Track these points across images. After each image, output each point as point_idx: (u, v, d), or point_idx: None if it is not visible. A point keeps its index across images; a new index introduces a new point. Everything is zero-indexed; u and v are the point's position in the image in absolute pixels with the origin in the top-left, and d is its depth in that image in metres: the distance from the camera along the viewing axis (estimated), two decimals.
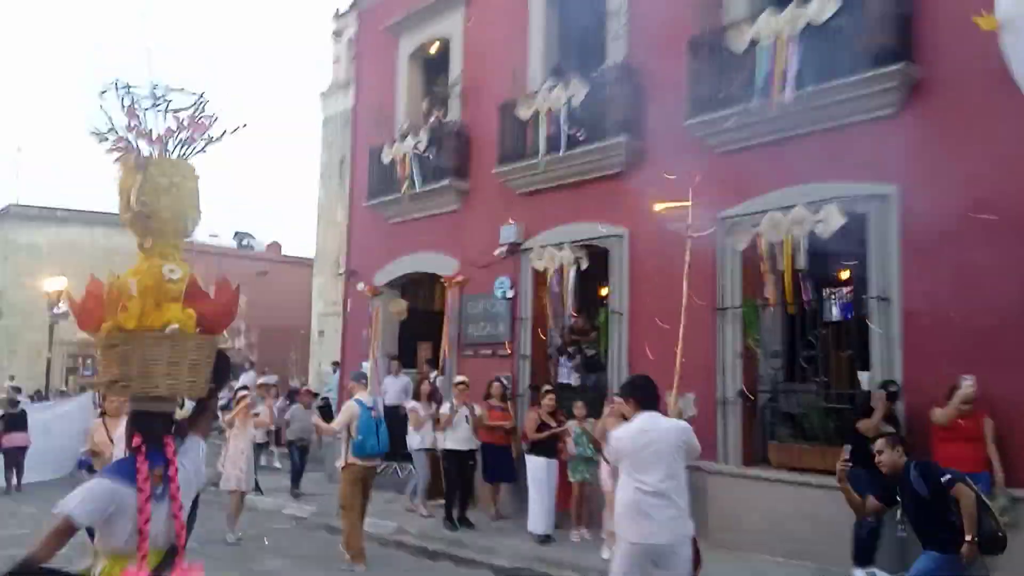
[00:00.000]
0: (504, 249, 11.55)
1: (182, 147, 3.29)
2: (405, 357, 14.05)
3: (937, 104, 7.73)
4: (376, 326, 13.92)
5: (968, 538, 4.77)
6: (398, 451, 12.50)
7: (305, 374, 27.31)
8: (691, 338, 9.16)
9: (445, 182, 12.41)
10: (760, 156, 8.77)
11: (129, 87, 3.19)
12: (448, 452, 10.17)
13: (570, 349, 10.95)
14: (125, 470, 3.01)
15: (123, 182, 3.23)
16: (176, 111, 3.26)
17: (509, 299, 11.52)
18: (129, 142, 3.21)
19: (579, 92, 10.25)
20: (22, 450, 13.66)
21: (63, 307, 22.34)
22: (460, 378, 10.63)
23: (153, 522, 2.95)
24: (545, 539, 8.92)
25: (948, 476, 4.99)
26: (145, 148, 3.23)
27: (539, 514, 9.00)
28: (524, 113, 10.96)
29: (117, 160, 3.25)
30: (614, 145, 9.99)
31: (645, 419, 4.90)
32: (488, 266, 11.86)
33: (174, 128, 3.25)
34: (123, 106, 3.18)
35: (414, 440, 10.63)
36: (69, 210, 33.67)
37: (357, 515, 8.19)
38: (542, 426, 9.26)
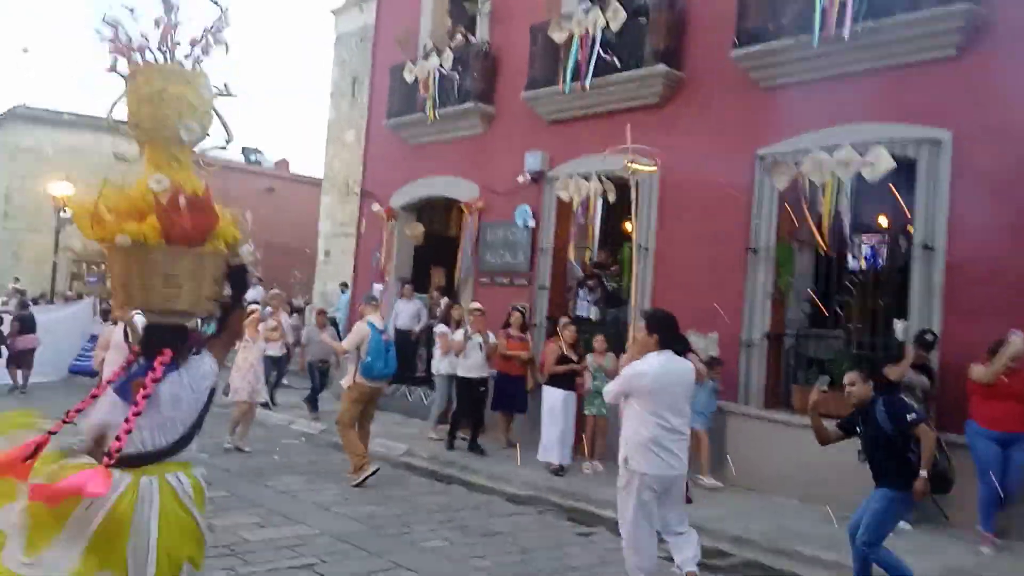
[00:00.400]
0: (527, 177, 11.27)
1: (168, 54, 3.21)
2: (418, 282, 13.89)
3: (999, 48, 7.37)
4: (390, 249, 13.78)
5: (924, 474, 4.94)
6: (407, 375, 12.49)
7: (309, 293, 27.13)
8: (720, 277, 9.06)
9: (469, 105, 12.03)
10: (807, 93, 8.42)
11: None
12: (459, 379, 10.09)
13: (590, 282, 10.77)
14: (123, 385, 3.11)
15: (121, 95, 3.20)
16: (158, 19, 3.19)
17: (530, 228, 11.28)
18: (116, 51, 3.18)
19: (617, 16, 9.82)
20: (32, 351, 13.77)
21: (69, 212, 22.10)
22: (475, 305, 10.49)
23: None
24: (559, 470, 8.88)
25: (914, 415, 5.13)
26: (129, 57, 3.18)
27: (553, 445, 8.94)
28: (558, 36, 10.53)
29: (110, 71, 3.21)
30: (652, 75, 9.61)
31: (666, 358, 4.85)
32: (510, 193, 11.60)
33: (154, 36, 3.18)
34: (105, 20, 3.15)
35: (442, 364, 10.46)
36: (76, 115, 33.05)
37: (355, 432, 8.26)
38: (562, 358, 9.11)
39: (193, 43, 3.25)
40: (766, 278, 8.62)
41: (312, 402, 12.18)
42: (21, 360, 13.64)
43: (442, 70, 12.40)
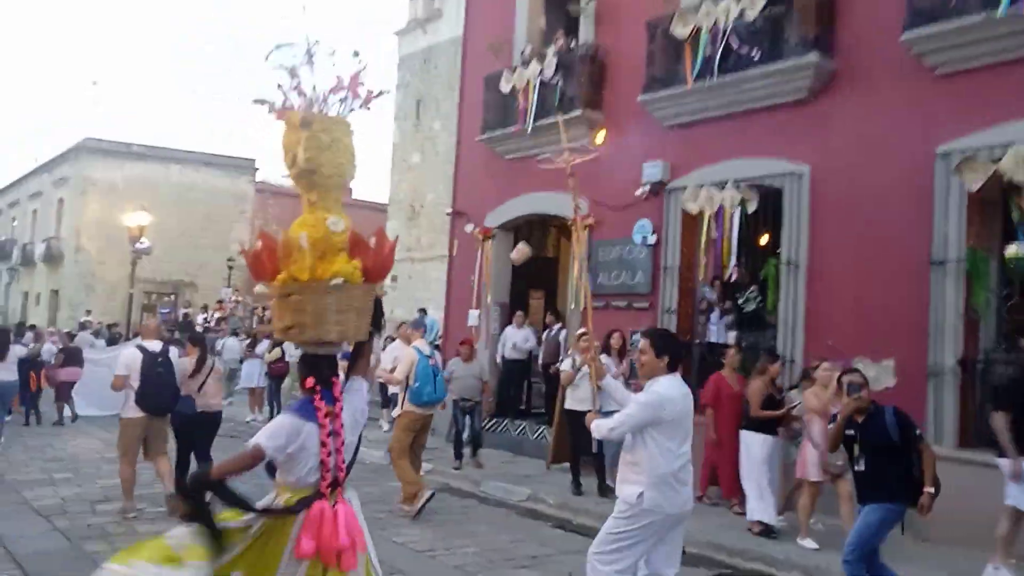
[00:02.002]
0: (646, 188, 10.21)
1: (340, 105, 3.45)
2: (515, 306, 12.91)
3: None
4: (487, 271, 12.84)
5: (931, 490, 4.97)
6: (513, 407, 11.47)
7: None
8: (892, 295, 7.85)
9: (576, 113, 11.04)
10: (998, 77, 7.23)
11: (290, 47, 3.39)
12: (569, 412, 9.04)
13: (724, 304, 9.63)
14: (306, 409, 3.25)
15: (287, 139, 3.39)
16: (333, 70, 3.43)
17: (650, 245, 10.21)
18: (290, 102, 3.38)
19: (756, 3, 8.75)
20: (71, 384, 13.83)
21: (145, 242, 21.76)
22: (582, 330, 9.41)
23: (331, 456, 3.22)
24: (767, 531, 7.34)
25: (919, 431, 5.23)
26: (303, 106, 3.39)
27: (764, 501, 7.42)
28: (681, 31, 9.50)
29: (279, 119, 3.40)
30: (799, 66, 8.49)
31: (679, 381, 4.48)
32: (625, 208, 10.56)
33: (334, 87, 3.41)
34: (285, 67, 3.36)
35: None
36: (145, 146, 33.22)
37: (407, 461, 8.15)
38: (769, 399, 7.62)
39: (353, 97, 3.47)
40: (956, 294, 7.37)
41: (457, 446, 10.34)
42: (60, 392, 13.80)
43: (543, 77, 11.47)
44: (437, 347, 13.56)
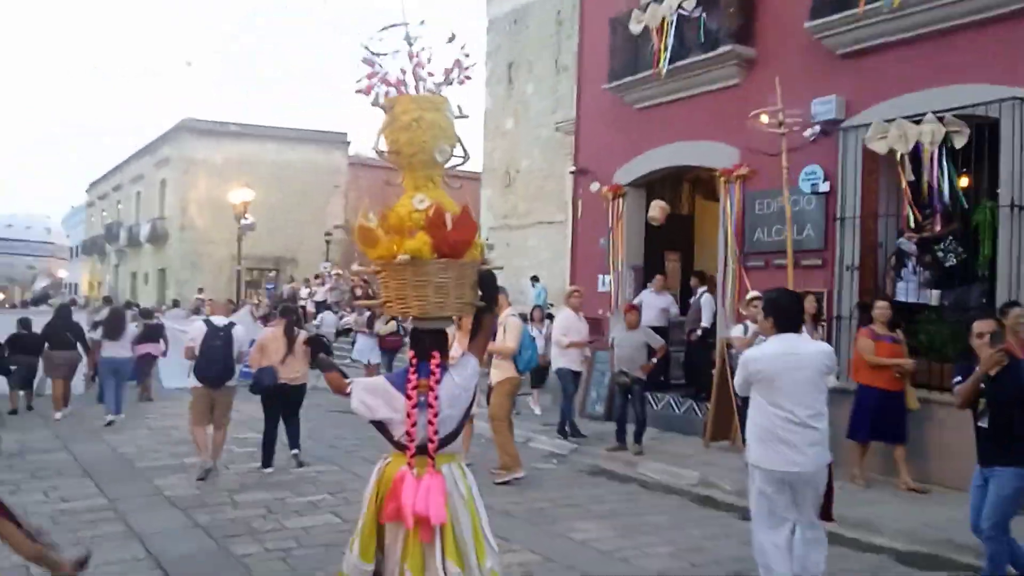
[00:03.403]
0: (816, 129, 8.92)
1: (421, 83, 3.52)
2: (651, 269, 11.83)
3: None
4: (619, 233, 11.78)
5: None
6: (656, 380, 10.43)
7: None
8: None
9: (726, 48, 9.79)
10: None
11: (388, 30, 3.53)
12: None
13: (926, 257, 8.30)
14: (400, 379, 3.42)
15: (382, 123, 3.53)
16: (411, 50, 3.51)
17: (822, 194, 8.93)
18: (380, 86, 3.52)
19: None
20: (153, 359, 13.66)
21: (250, 219, 21.55)
22: (754, 293, 8.26)
23: (417, 427, 3.31)
24: None
25: None
26: (389, 88, 3.52)
27: None
28: None
29: (374, 104, 3.56)
30: None
31: (786, 341, 4.44)
32: (790, 152, 9.27)
33: (410, 67, 3.50)
34: (377, 52, 3.52)
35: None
36: (242, 124, 33.26)
37: (510, 428, 8.05)
38: None
39: (444, 73, 3.55)
40: None
41: (621, 427, 9.15)
42: (143, 368, 13.44)
43: (683, 11, 10.22)
44: (550, 316, 12.61)
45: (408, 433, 3.28)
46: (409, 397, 3.30)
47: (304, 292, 24.59)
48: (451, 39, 3.57)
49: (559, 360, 9.87)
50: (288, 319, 8.37)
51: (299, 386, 8.25)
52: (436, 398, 3.31)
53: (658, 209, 11.08)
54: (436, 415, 3.30)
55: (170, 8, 72.46)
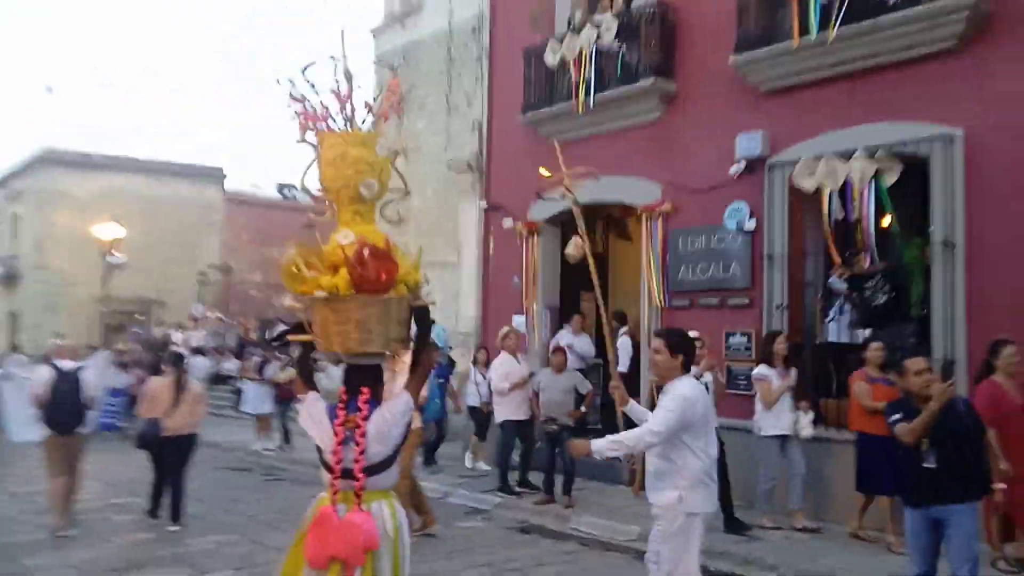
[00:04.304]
0: (741, 166, 8.79)
1: (345, 121, 3.52)
2: (565, 310, 11.43)
3: None
4: (533, 271, 11.34)
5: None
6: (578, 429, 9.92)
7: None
8: None
9: (647, 82, 9.59)
10: None
11: (300, 74, 3.57)
12: None
13: (851, 296, 8.24)
14: (332, 414, 3.40)
15: (310, 161, 3.58)
16: (335, 89, 3.53)
17: (748, 232, 8.78)
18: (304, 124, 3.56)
19: None
20: None
21: (119, 256, 19.82)
22: (693, 334, 7.91)
23: (342, 463, 3.30)
24: None
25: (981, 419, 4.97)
26: (310, 127, 3.55)
27: None
28: None
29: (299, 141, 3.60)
30: (950, 7, 7.14)
31: (694, 381, 4.49)
32: (712, 190, 9.12)
33: (334, 105, 3.52)
34: (291, 95, 3.54)
35: (766, 423, 7.47)
36: (108, 156, 31.00)
37: (414, 484, 7.46)
38: None
39: (368, 108, 3.59)
40: None
41: (548, 478, 8.67)
42: None
43: (602, 43, 10.00)
44: (452, 361, 11.85)
45: (332, 469, 3.29)
46: (336, 433, 3.32)
47: (177, 336, 22.84)
48: (349, 77, 3.57)
49: (501, 411, 9.21)
50: (179, 367, 8.19)
51: (187, 436, 7.88)
52: (363, 435, 3.29)
53: (575, 247, 10.68)
54: (362, 452, 3.28)
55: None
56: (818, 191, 8.01)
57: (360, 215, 3.50)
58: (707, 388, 7.41)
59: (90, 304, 28.85)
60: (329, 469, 3.31)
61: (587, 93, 10.13)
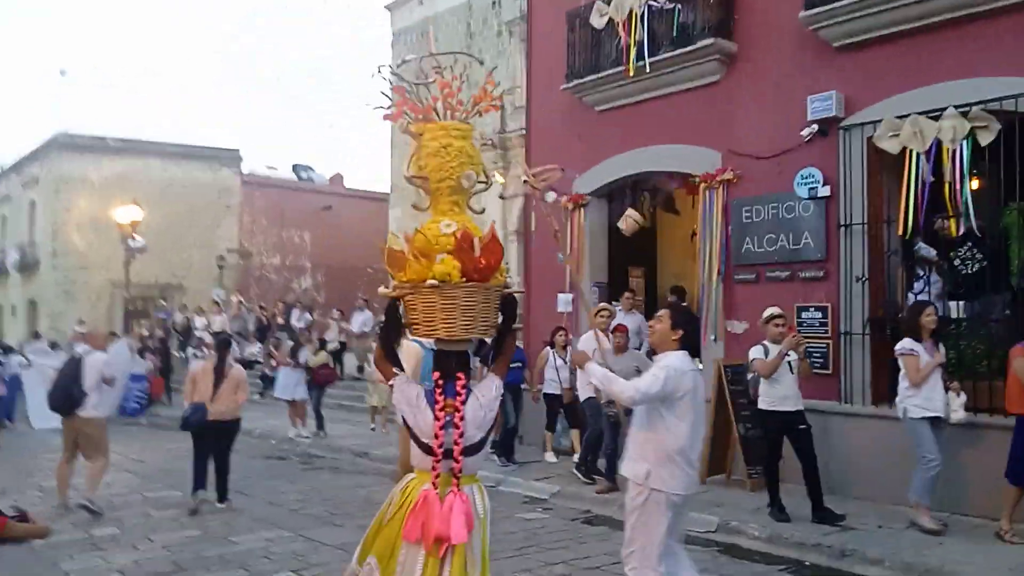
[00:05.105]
0: (814, 129, 8.17)
1: (451, 112, 3.59)
2: (614, 288, 10.89)
3: None
4: (580, 247, 10.79)
5: None
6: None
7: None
8: None
9: (706, 42, 8.96)
10: None
11: (403, 61, 3.90)
12: (764, 414, 7.08)
13: (939, 265, 7.64)
14: (430, 398, 3.43)
15: (411, 149, 3.68)
16: (440, 78, 3.61)
17: (821, 199, 8.18)
18: (406, 114, 3.63)
19: None
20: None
21: (139, 240, 19.36)
22: (774, 310, 7.36)
23: (444, 446, 3.35)
24: None
25: None
26: (416, 116, 3.61)
27: None
28: None
29: (403, 131, 3.79)
30: None
31: (688, 358, 4.32)
32: (781, 155, 8.52)
33: (440, 96, 3.58)
34: (393, 82, 3.68)
35: (913, 402, 6.62)
36: (123, 139, 30.51)
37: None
38: None
39: (474, 103, 3.65)
40: None
41: (610, 464, 8.16)
42: None
43: (654, 2, 9.37)
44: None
45: (434, 452, 3.35)
46: (437, 418, 3.36)
47: (199, 322, 22.41)
48: (481, 63, 3.86)
49: (585, 390, 8.63)
50: (221, 351, 8.15)
51: (230, 422, 7.90)
52: (463, 419, 3.39)
53: (627, 219, 10.17)
54: (462, 435, 3.37)
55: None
56: (904, 153, 7.39)
57: (457, 205, 3.59)
58: (791, 368, 6.93)
59: (107, 289, 28.49)
60: (430, 452, 3.36)
61: (639, 56, 9.53)
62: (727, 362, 8.48)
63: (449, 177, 3.53)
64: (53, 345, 19.93)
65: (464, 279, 3.38)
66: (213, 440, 7.82)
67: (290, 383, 12.71)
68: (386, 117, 3.71)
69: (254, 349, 20.33)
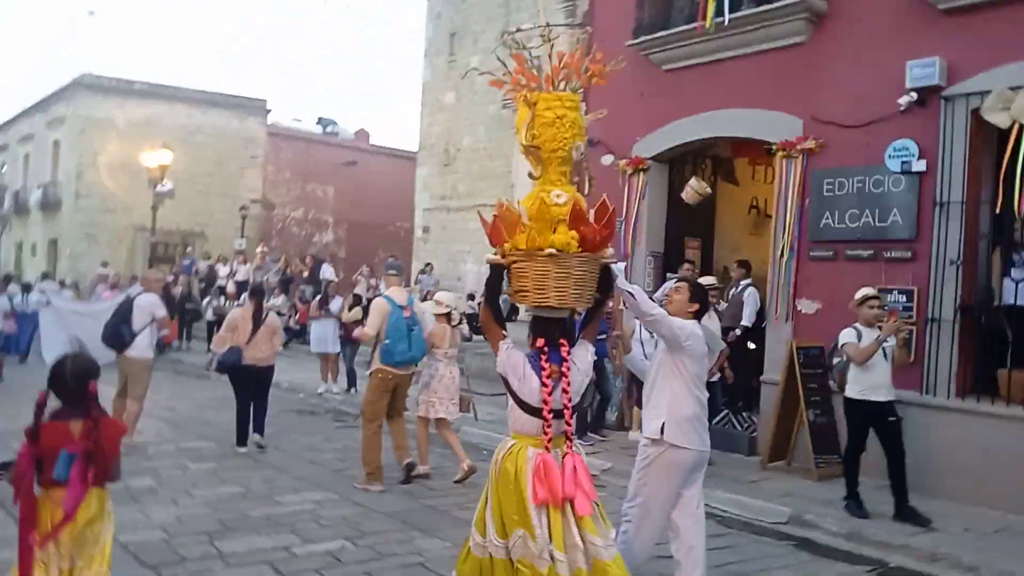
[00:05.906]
0: (912, 97, 7.58)
1: (565, 82, 3.65)
2: (670, 258, 10.38)
3: None
4: (637, 216, 10.27)
5: None
6: None
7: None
8: None
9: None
10: None
11: (518, 30, 4.10)
12: (855, 403, 6.57)
13: None
14: (534, 364, 3.54)
15: (519, 118, 3.68)
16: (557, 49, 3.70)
17: (915, 173, 7.62)
18: (520, 82, 3.67)
19: None
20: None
21: (168, 185, 18.93)
22: (868, 291, 6.81)
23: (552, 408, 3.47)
24: None
25: None
26: (531, 86, 3.64)
27: None
28: None
29: (512, 100, 3.79)
30: None
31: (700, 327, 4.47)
32: (872, 124, 7.94)
33: (558, 65, 3.65)
34: (512, 50, 3.69)
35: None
36: (148, 83, 29.98)
37: (378, 427, 7.03)
38: None
39: (580, 74, 3.71)
40: None
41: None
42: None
43: None
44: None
45: (544, 418, 3.43)
46: (544, 385, 3.44)
47: (223, 271, 22.05)
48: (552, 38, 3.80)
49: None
50: (258, 299, 8.57)
51: (266, 367, 8.31)
52: (569, 384, 3.51)
53: (692, 187, 9.63)
54: (571, 399, 3.50)
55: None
56: (1015, 127, 6.82)
57: (565, 176, 3.62)
58: (885, 354, 6.43)
59: (129, 233, 28.20)
60: (537, 415, 3.44)
61: (717, 12, 8.91)
62: (801, 343, 7.97)
63: (562, 148, 3.56)
64: (62, 284, 19.68)
65: (580, 249, 3.45)
66: (251, 384, 8.16)
67: (324, 337, 12.31)
68: (492, 83, 3.76)
69: (277, 301, 20.00)
